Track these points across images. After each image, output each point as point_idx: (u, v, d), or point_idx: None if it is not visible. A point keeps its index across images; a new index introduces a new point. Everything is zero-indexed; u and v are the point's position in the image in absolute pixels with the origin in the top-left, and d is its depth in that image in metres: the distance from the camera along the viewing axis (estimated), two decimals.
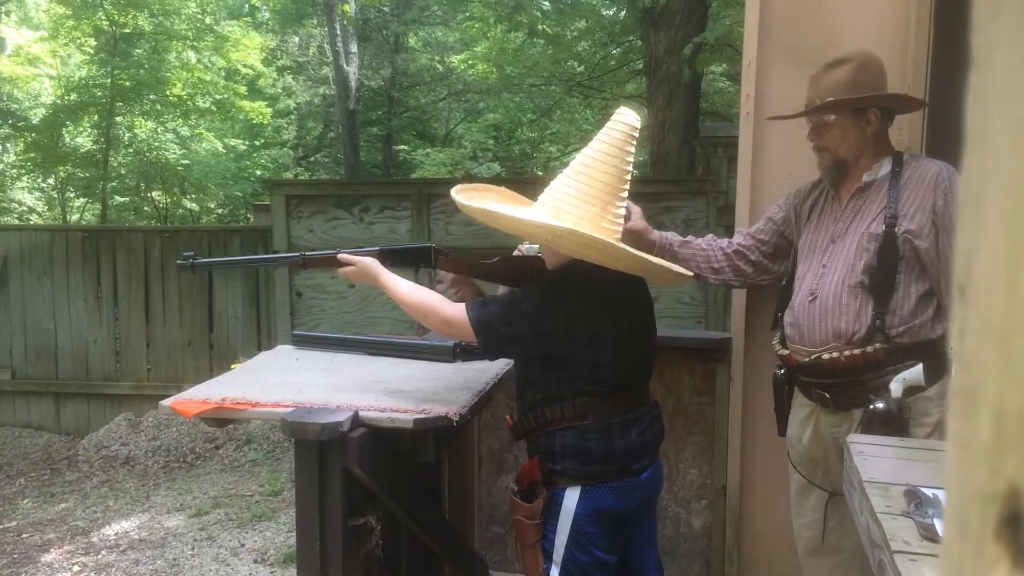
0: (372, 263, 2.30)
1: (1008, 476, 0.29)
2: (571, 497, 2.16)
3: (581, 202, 2.05)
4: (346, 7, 11.96)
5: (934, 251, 2.19)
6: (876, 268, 2.25)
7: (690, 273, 2.35)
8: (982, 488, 0.30)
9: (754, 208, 2.93)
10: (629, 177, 2.10)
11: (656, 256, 2.55)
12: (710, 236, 2.74)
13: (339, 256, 2.33)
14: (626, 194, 2.11)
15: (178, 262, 2.43)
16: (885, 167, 2.34)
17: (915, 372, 2.19)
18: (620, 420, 2.17)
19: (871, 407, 2.20)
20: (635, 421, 2.20)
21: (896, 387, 2.19)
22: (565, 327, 2.09)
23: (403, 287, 2.24)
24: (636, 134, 2.09)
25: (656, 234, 2.65)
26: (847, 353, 2.27)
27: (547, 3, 8.97)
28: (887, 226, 2.24)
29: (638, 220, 2.59)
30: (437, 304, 2.18)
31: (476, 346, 2.27)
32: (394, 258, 2.36)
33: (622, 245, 2.03)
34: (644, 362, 2.28)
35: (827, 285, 2.34)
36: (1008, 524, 0.29)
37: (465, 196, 2.16)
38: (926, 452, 1.74)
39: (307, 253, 2.43)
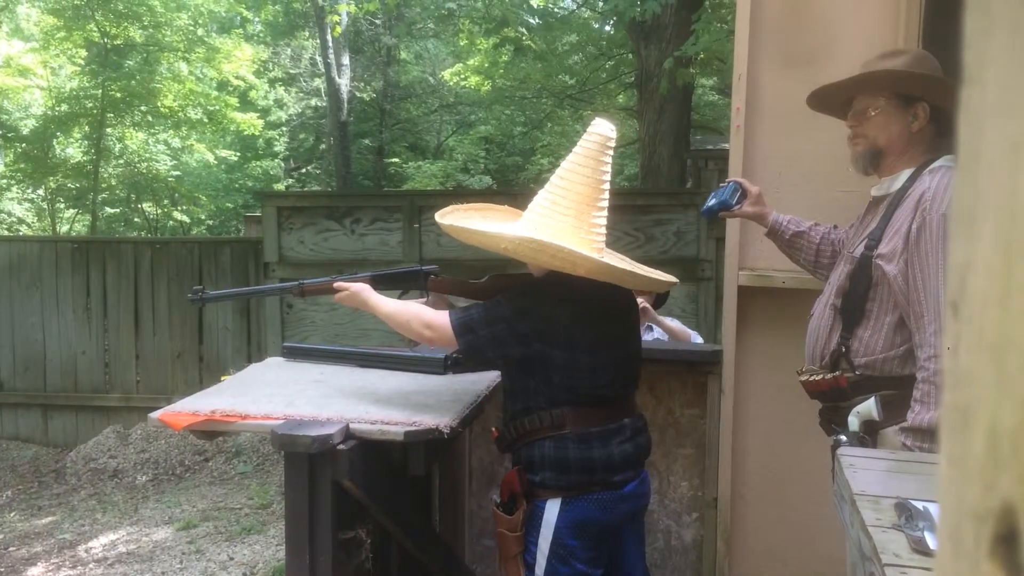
0: (363, 288, 2.37)
1: (1002, 494, 0.29)
2: (551, 509, 2.17)
3: (557, 213, 2.09)
4: (335, 17, 11.97)
5: (903, 278, 2.00)
6: (848, 292, 2.14)
7: (671, 280, 2.32)
8: (976, 506, 0.30)
9: (743, 221, 2.94)
10: (606, 187, 2.12)
11: (767, 237, 2.53)
12: (830, 226, 2.50)
13: (334, 284, 2.40)
14: (605, 203, 2.13)
15: (188, 296, 2.50)
16: (899, 181, 2.14)
17: (867, 405, 2.08)
18: (599, 430, 2.17)
19: (835, 438, 2.13)
20: (616, 432, 2.20)
21: (852, 420, 2.11)
22: (542, 329, 2.12)
23: (389, 304, 2.30)
24: (611, 144, 2.11)
25: (771, 219, 2.50)
26: (815, 378, 2.20)
27: (533, 19, 8.97)
28: (866, 248, 2.11)
29: (757, 203, 2.50)
30: (419, 310, 2.25)
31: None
32: (385, 282, 2.43)
33: (583, 251, 2.03)
34: (626, 373, 2.28)
35: (818, 305, 2.30)
36: (1003, 542, 0.29)
37: (451, 218, 2.21)
38: (916, 465, 1.74)
39: (304, 281, 2.49)
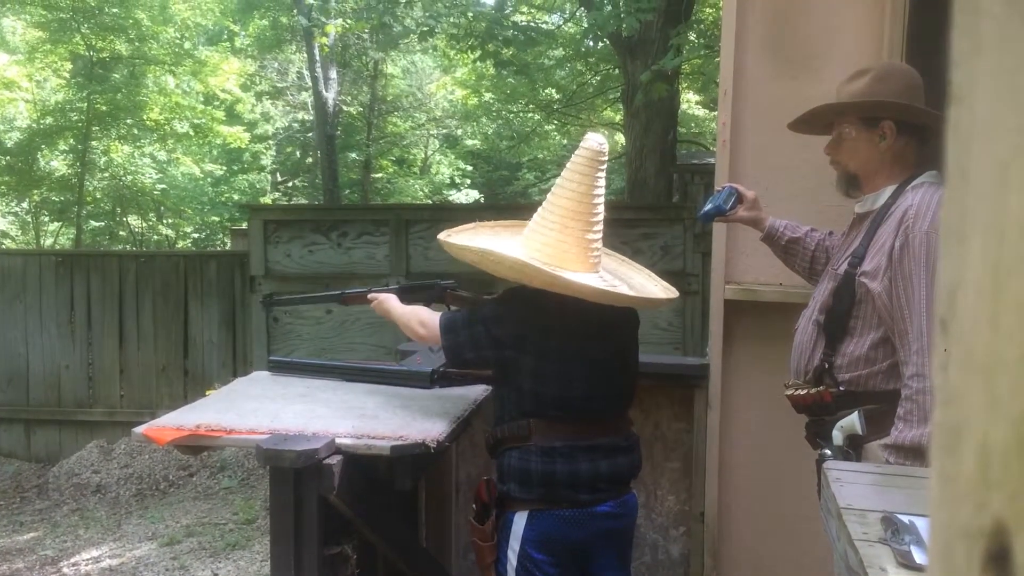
0: (389, 297, 2.57)
1: (994, 512, 0.29)
2: (519, 521, 2.19)
3: (544, 228, 2.15)
4: (323, 39, 11.98)
5: (887, 295, 2.00)
6: (831, 308, 2.15)
7: (650, 298, 2.32)
8: (967, 524, 0.30)
9: (730, 235, 2.95)
10: (598, 200, 2.14)
11: (763, 242, 2.53)
12: (826, 232, 2.50)
13: (368, 295, 2.62)
14: (598, 217, 2.15)
15: (260, 301, 2.71)
16: (882, 198, 2.14)
17: (851, 420, 2.09)
18: (563, 445, 2.17)
19: (820, 452, 2.14)
20: (587, 449, 2.19)
21: (837, 434, 2.11)
22: (516, 335, 2.17)
23: (400, 308, 2.47)
24: (601, 158, 2.13)
25: (767, 224, 2.49)
26: (800, 392, 2.21)
27: (514, 35, 8.93)
28: (849, 266, 2.12)
29: (753, 208, 2.49)
30: (419, 311, 2.40)
31: (452, 369, 2.45)
32: (410, 294, 2.64)
33: (539, 265, 2.06)
34: (606, 390, 2.25)
35: (802, 319, 2.30)
36: (995, 561, 0.29)
37: (459, 237, 2.28)
38: (903, 479, 1.74)
39: (346, 291, 2.80)
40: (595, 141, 2.13)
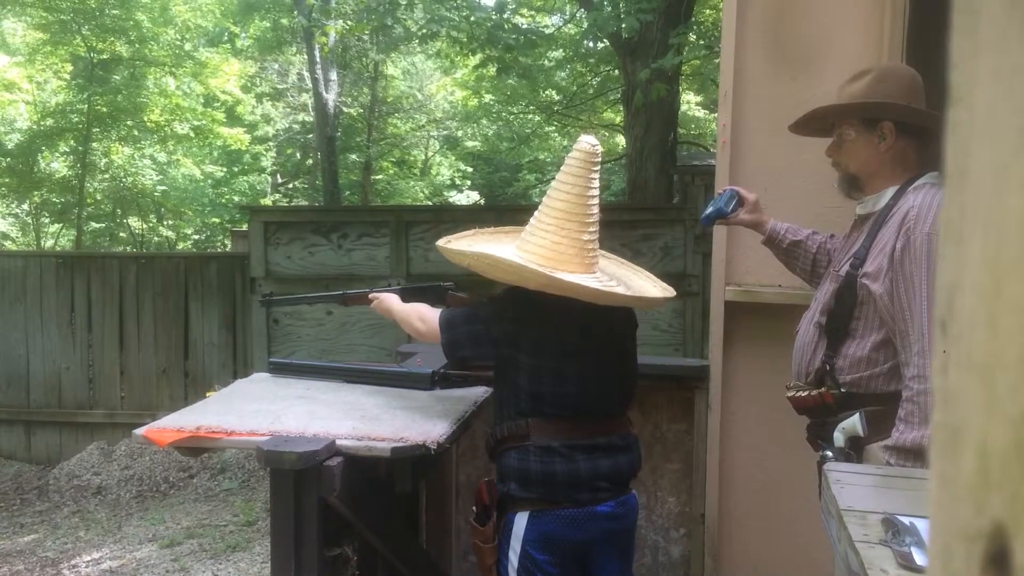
0: (389, 296, 2.60)
1: (993, 514, 0.28)
2: (520, 522, 2.20)
3: (539, 231, 2.16)
4: (323, 39, 11.98)
5: (888, 297, 2.00)
6: (833, 310, 2.15)
7: (651, 297, 2.32)
8: (966, 526, 0.30)
9: (730, 237, 2.95)
10: (592, 201, 2.15)
11: (764, 245, 2.53)
12: (827, 235, 2.48)
13: (369, 295, 2.66)
14: (593, 218, 2.16)
15: (259, 301, 2.82)
16: (883, 200, 2.14)
17: (852, 421, 2.09)
18: (561, 444, 2.17)
19: (821, 454, 2.15)
20: (585, 448, 2.19)
21: (838, 436, 2.11)
22: (512, 333, 2.19)
23: (401, 306, 2.51)
24: (594, 160, 2.15)
25: (769, 226, 2.48)
26: (801, 394, 2.22)
27: (514, 38, 8.89)
28: (851, 267, 2.11)
29: (754, 211, 2.49)
30: (419, 307, 2.44)
31: (453, 371, 2.46)
32: (412, 295, 2.67)
33: (533, 267, 2.06)
34: (604, 390, 2.25)
35: (803, 321, 2.30)
36: (994, 562, 0.28)
37: (459, 243, 2.30)
38: (903, 480, 1.74)
39: (347, 292, 2.83)
40: (588, 143, 2.14)
